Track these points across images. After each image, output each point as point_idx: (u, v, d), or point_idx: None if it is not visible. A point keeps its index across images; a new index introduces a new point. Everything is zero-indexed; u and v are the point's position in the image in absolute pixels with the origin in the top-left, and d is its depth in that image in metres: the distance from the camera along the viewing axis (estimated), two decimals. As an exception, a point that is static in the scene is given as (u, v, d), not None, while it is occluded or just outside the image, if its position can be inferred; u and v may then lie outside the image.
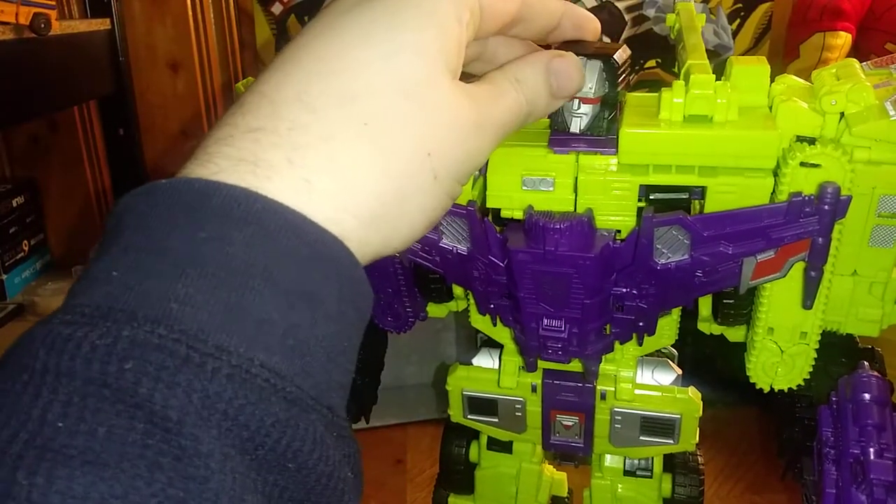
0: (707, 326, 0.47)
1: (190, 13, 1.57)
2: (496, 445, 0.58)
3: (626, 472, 0.56)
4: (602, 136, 0.38)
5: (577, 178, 0.39)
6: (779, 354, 0.42)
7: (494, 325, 0.48)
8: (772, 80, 0.39)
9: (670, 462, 0.56)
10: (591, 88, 0.35)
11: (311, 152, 0.25)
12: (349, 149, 0.25)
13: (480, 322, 0.50)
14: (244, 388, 0.21)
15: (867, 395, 0.40)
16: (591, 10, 1.41)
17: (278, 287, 0.23)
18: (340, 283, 0.25)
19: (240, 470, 0.21)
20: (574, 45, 0.36)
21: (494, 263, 0.40)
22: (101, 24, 1.43)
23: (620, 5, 1.51)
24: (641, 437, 0.51)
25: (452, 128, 0.28)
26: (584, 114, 0.37)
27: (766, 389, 0.44)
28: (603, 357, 0.47)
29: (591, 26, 0.36)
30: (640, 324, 0.42)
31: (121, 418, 0.19)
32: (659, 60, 1.54)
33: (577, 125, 0.37)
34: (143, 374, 0.20)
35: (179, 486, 0.19)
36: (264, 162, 0.24)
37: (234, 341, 0.21)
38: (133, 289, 0.22)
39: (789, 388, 0.43)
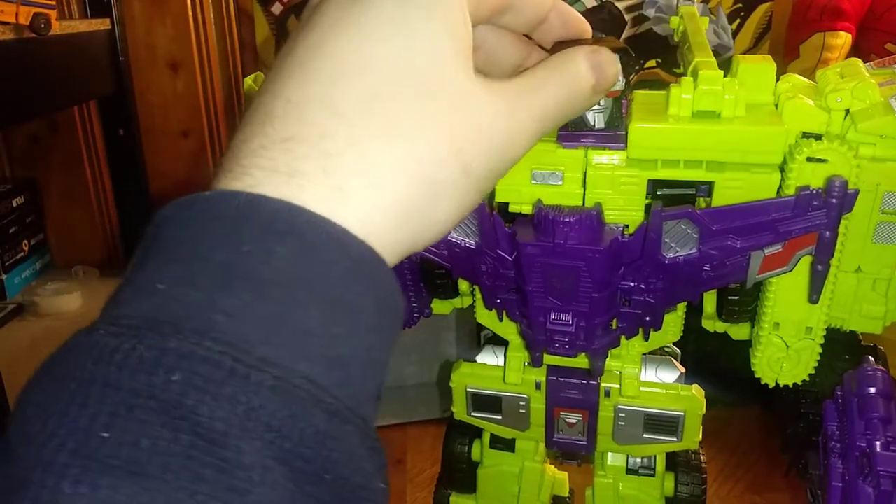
0: (711, 324, 0.47)
1: (190, 13, 1.57)
2: (499, 444, 0.58)
3: (629, 471, 0.57)
4: (612, 130, 0.38)
5: (585, 172, 0.39)
6: (784, 350, 0.42)
7: (501, 319, 0.48)
8: (777, 79, 0.39)
9: (673, 461, 0.56)
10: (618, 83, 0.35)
11: (341, 159, 0.25)
12: (378, 152, 0.25)
13: (486, 318, 0.50)
14: (287, 399, 0.21)
15: (872, 389, 0.40)
16: (591, 10, 1.41)
17: (320, 299, 0.23)
18: (378, 294, 0.25)
19: (280, 482, 0.21)
20: (590, 42, 0.36)
21: (503, 257, 0.41)
22: (101, 24, 1.42)
23: (620, 5, 1.51)
24: (645, 435, 0.51)
25: (481, 121, 0.27)
26: (605, 108, 0.37)
27: (772, 385, 0.44)
28: (608, 353, 0.47)
29: (582, 25, 0.36)
30: (647, 318, 0.42)
31: (166, 430, 0.20)
32: (659, 60, 1.54)
33: (597, 121, 0.38)
34: (189, 387, 0.20)
35: (221, 497, 0.19)
36: (299, 173, 0.24)
37: (278, 353, 0.22)
38: (178, 301, 0.22)
39: (793, 385, 0.44)
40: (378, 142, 0.25)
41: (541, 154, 0.39)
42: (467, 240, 0.42)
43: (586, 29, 0.35)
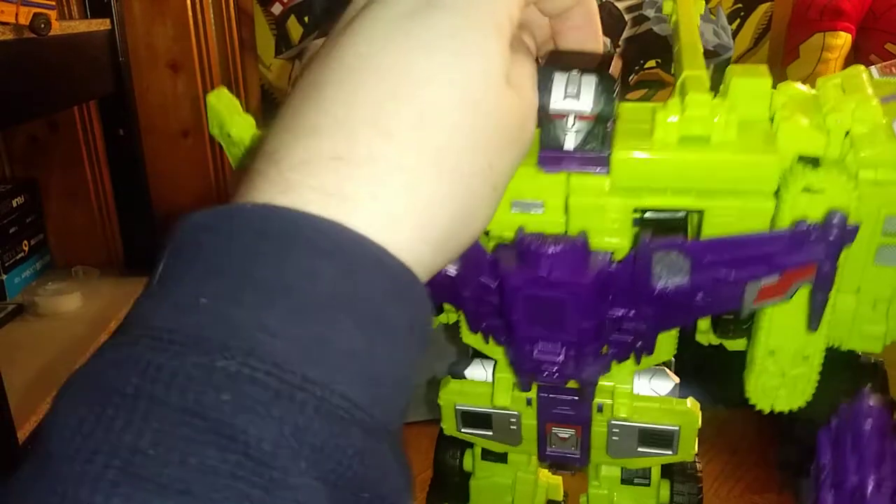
0: (706, 338, 0.46)
1: (190, 13, 1.57)
2: (491, 455, 0.57)
3: (624, 481, 0.56)
4: (595, 153, 0.36)
5: (567, 198, 0.37)
6: (780, 377, 0.41)
7: (486, 342, 0.47)
8: (773, 86, 0.37)
9: (668, 469, 0.55)
10: (587, 105, 0.34)
11: (390, 184, 0.25)
12: (425, 176, 0.25)
13: (472, 339, 0.48)
14: (329, 419, 0.21)
15: (867, 424, 0.39)
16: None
17: (361, 319, 0.23)
18: (414, 315, 0.25)
19: (323, 501, 0.21)
20: (566, 57, 0.35)
21: (486, 285, 0.39)
22: (101, 25, 1.42)
23: (620, 5, 1.51)
24: (639, 449, 0.50)
25: (507, 135, 0.28)
26: (578, 130, 0.35)
27: (766, 411, 0.43)
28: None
29: (593, 33, 0.36)
30: (639, 344, 0.41)
31: (213, 449, 0.20)
32: (659, 60, 1.54)
33: (570, 142, 0.36)
34: (239, 407, 0.20)
35: None
36: (348, 196, 0.24)
37: (319, 373, 0.22)
38: (223, 318, 0.22)
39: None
40: (426, 167, 0.25)
41: (520, 180, 0.36)
42: (448, 268, 0.40)
43: (597, 39, 0.36)
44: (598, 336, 0.40)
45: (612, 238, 0.37)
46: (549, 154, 0.36)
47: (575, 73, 0.33)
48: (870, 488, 0.36)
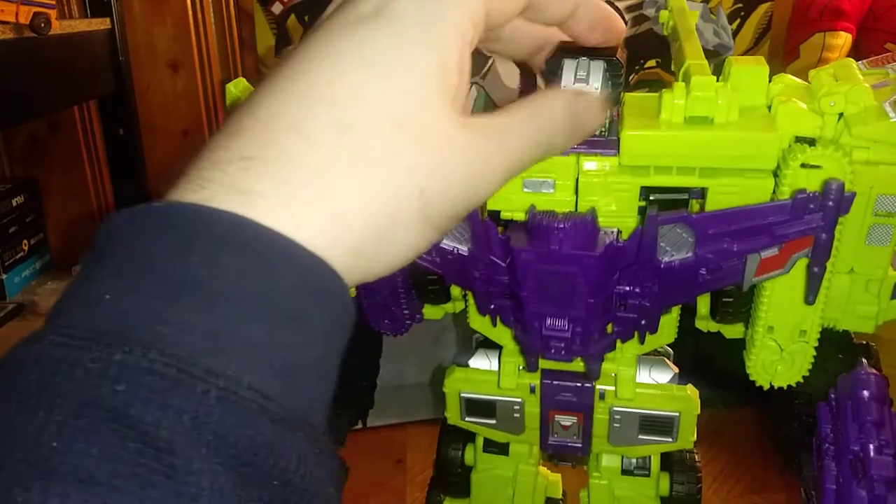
0: (704, 324, 0.47)
1: (190, 13, 1.57)
2: (492, 447, 0.58)
3: (624, 472, 0.56)
4: (602, 136, 0.38)
5: (577, 179, 0.39)
6: (778, 352, 0.42)
7: (494, 325, 0.48)
8: (770, 80, 0.39)
9: (667, 461, 0.56)
10: (596, 89, 0.35)
11: (300, 184, 0.25)
12: (339, 183, 0.25)
13: (479, 323, 0.50)
14: (233, 409, 0.21)
15: (866, 393, 0.40)
16: (591, 10, 1.42)
17: (269, 311, 0.23)
18: (329, 306, 0.25)
19: (228, 487, 0.21)
20: (588, 48, 0.35)
21: (496, 263, 0.41)
22: (101, 24, 1.42)
23: (620, 5, 1.51)
24: (640, 436, 0.51)
25: (450, 164, 0.27)
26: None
27: (766, 387, 0.44)
28: (604, 357, 0.47)
29: (612, 23, 0.35)
30: (643, 322, 0.42)
31: (114, 438, 0.20)
32: (659, 60, 1.54)
33: None
34: (134, 397, 0.20)
35: (172, 502, 0.20)
36: (253, 191, 0.24)
37: (223, 364, 0.22)
38: (124, 312, 0.22)
39: (787, 385, 0.44)
40: (342, 174, 0.25)
41: None
42: (459, 246, 0.42)
43: (616, 27, 0.35)
44: (605, 312, 0.41)
45: (619, 217, 0.39)
46: None
47: (584, 59, 0.35)
48: (871, 454, 0.37)
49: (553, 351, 0.43)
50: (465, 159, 0.27)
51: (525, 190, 0.39)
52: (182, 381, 0.21)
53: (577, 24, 0.34)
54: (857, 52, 1.56)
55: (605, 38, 0.35)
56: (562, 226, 0.37)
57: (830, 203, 0.34)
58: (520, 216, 0.40)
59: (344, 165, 0.25)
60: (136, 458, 0.20)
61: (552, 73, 0.35)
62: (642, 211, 0.40)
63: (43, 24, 1.15)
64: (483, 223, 0.39)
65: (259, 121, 0.26)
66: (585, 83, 0.35)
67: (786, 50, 1.61)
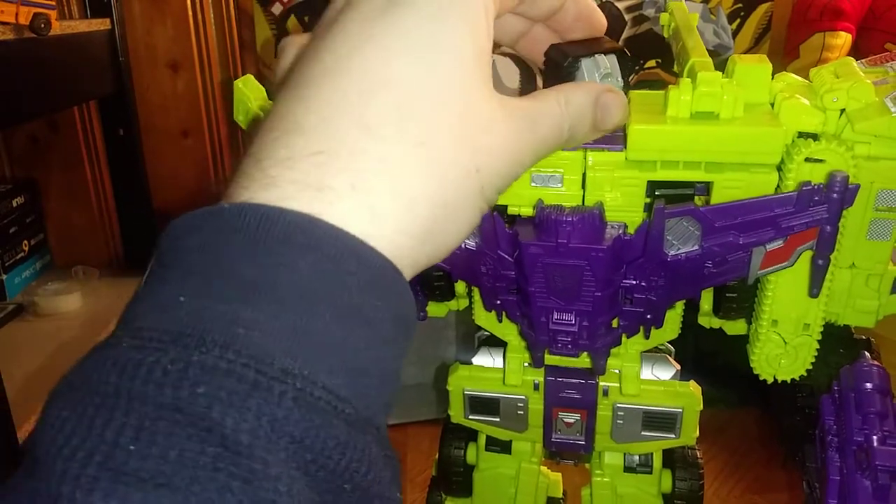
0: (707, 321, 0.48)
1: (190, 13, 1.57)
2: (495, 446, 0.58)
3: (626, 469, 0.57)
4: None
5: (584, 173, 0.39)
6: (782, 346, 0.43)
7: (500, 321, 0.48)
8: (772, 78, 0.40)
9: (669, 458, 0.56)
10: (620, 83, 0.36)
11: (371, 176, 0.25)
12: (406, 170, 0.26)
13: (485, 319, 0.50)
14: (309, 411, 0.22)
15: (869, 384, 0.41)
16: (591, 10, 1.43)
17: (340, 311, 0.23)
18: (395, 307, 0.25)
19: (304, 492, 0.21)
20: (584, 43, 0.36)
21: (504, 258, 0.41)
22: (101, 24, 1.42)
23: (620, 5, 1.51)
24: (643, 433, 0.52)
25: (497, 141, 0.28)
26: None
27: (770, 380, 0.44)
28: (609, 352, 0.47)
29: (595, 19, 0.36)
30: (649, 316, 0.42)
31: (192, 442, 0.20)
32: (659, 60, 1.55)
33: None
34: (215, 399, 0.20)
35: None
36: (328, 188, 0.24)
37: (299, 365, 0.22)
38: (200, 314, 0.22)
39: (790, 379, 0.44)
40: (408, 162, 0.26)
41: None
42: (467, 241, 0.42)
43: (599, 23, 0.36)
44: (611, 306, 0.42)
45: (626, 211, 0.40)
46: None
47: (600, 55, 0.35)
48: (875, 444, 0.37)
49: (560, 345, 0.43)
50: (507, 137, 0.28)
51: (533, 184, 0.40)
52: (260, 382, 0.21)
53: (563, 17, 0.35)
54: (856, 52, 1.56)
55: (588, 31, 0.36)
56: (569, 220, 0.38)
57: (835, 195, 0.35)
58: (527, 211, 0.41)
59: (409, 153, 0.26)
60: (215, 463, 0.20)
61: (571, 75, 0.35)
62: (648, 207, 0.40)
63: (43, 25, 1.15)
64: (491, 217, 0.39)
65: (320, 116, 0.26)
66: (613, 79, 0.36)
67: (786, 50, 1.61)
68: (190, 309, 0.22)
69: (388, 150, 0.25)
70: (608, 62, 0.35)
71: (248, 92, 0.45)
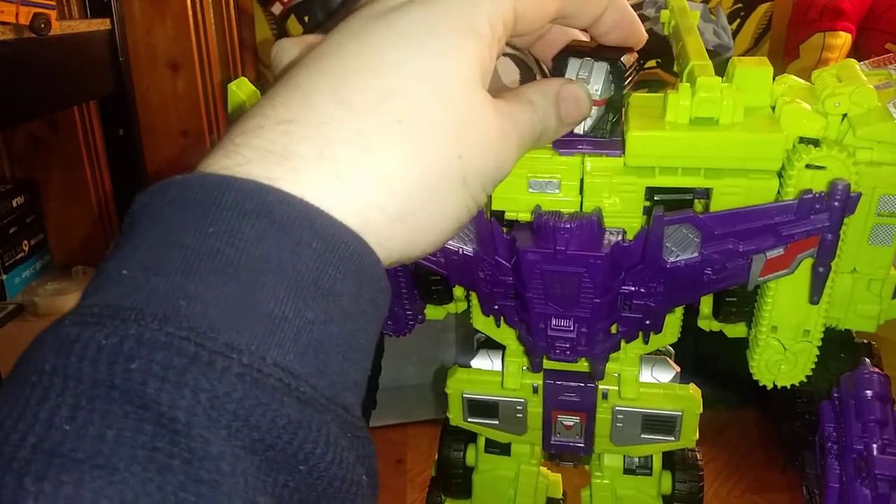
0: (707, 324, 0.47)
1: (190, 13, 1.57)
2: (494, 448, 0.58)
3: (626, 471, 0.57)
4: (606, 137, 0.38)
5: (582, 179, 0.39)
6: (782, 352, 0.43)
7: (498, 325, 0.48)
8: (773, 80, 0.39)
9: (669, 459, 0.56)
10: (597, 91, 0.36)
11: (343, 146, 0.24)
12: (382, 145, 0.25)
13: (483, 323, 0.50)
14: (255, 387, 0.20)
15: (869, 392, 0.40)
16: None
17: (291, 282, 0.22)
18: (358, 278, 0.24)
19: (251, 472, 0.20)
20: (582, 46, 0.36)
21: (501, 264, 0.41)
22: (101, 24, 1.42)
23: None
24: (643, 435, 0.51)
25: (482, 134, 0.28)
26: (590, 115, 0.37)
27: (770, 386, 0.44)
28: (608, 357, 0.47)
29: (634, 28, 0.36)
30: (648, 322, 0.42)
31: (129, 420, 0.19)
32: (659, 60, 1.54)
33: (581, 126, 0.38)
34: (149, 374, 0.19)
35: (191, 490, 0.19)
36: (294, 154, 0.24)
37: (246, 339, 0.21)
38: (142, 287, 0.21)
39: (790, 385, 0.44)
40: (385, 137, 0.25)
41: (537, 162, 0.39)
42: (465, 247, 0.42)
43: (635, 35, 0.36)
44: (610, 312, 0.41)
45: (624, 217, 0.39)
46: (564, 137, 0.37)
47: (588, 59, 0.35)
48: (875, 453, 0.37)
49: (558, 351, 0.43)
50: (494, 133, 0.28)
51: (530, 190, 0.40)
52: (200, 356, 0.20)
53: (601, 24, 0.35)
54: (857, 53, 1.56)
55: (624, 40, 0.36)
56: (567, 226, 0.37)
57: (836, 203, 0.34)
58: (525, 216, 0.40)
59: (387, 129, 0.25)
60: (153, 442, 0.19)
61: (558, 71, 0.35)
62: (647, 211, 0.39)
63: (43, 25, 1.15)
64: (488, 223, 0.39)
65: (297, 88, 0.26)
66: (586, 83, 0.35)
67: (785, 50, 1.61)
68: (132, 282, 0.21)
69: (364, 123, 0.25)
70: (594, 67, 0.35)
71: (242, 94, 0.45)
